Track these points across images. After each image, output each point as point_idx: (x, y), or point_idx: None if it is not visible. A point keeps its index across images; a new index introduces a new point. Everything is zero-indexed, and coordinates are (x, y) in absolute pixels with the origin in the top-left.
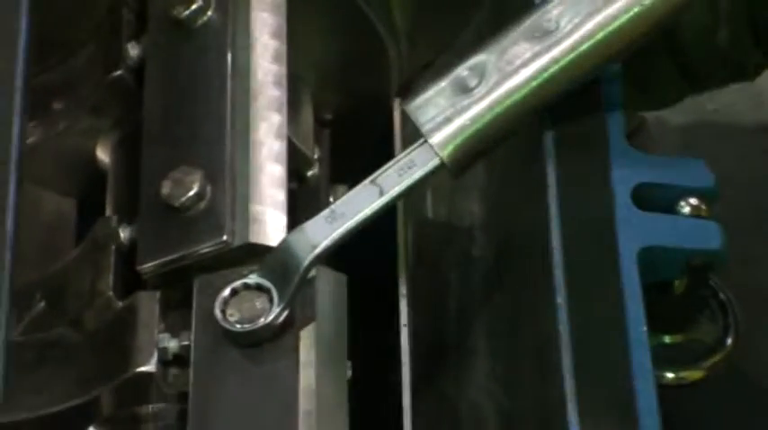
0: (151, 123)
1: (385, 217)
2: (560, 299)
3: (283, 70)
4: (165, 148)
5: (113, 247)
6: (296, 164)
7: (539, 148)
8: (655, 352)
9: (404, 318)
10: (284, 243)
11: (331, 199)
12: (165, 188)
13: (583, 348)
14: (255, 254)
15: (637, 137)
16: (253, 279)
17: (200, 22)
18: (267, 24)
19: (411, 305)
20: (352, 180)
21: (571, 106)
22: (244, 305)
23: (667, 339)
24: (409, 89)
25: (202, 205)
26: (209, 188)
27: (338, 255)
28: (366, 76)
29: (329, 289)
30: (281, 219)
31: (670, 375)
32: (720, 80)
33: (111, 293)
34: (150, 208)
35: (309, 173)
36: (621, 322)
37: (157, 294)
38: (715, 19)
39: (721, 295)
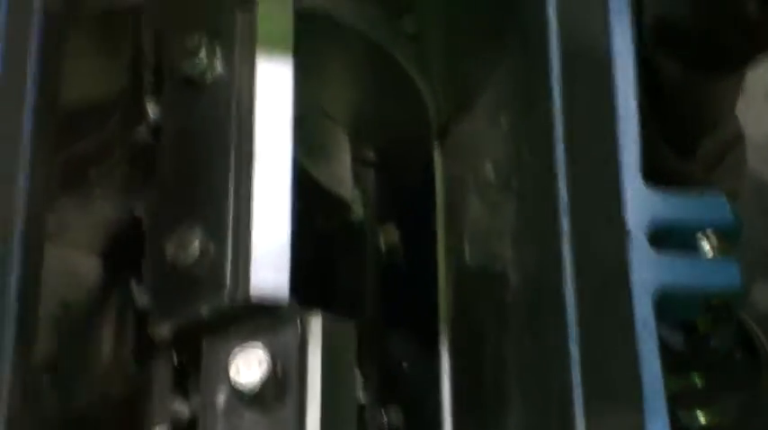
0: (162, 183)
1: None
2: (573, 346)
3: (288, 118)
4: (171, 207)
5: (131, 312)
6: (331, 207)
7: (552, 193)
8: (685, 394)
9: (445, 368)
10: None
11: (381, 239)
12: (170, 248)
13: (596, 399)
14: (259, 312)
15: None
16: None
17: (208, 77)
18: (272, 74)
19: (452, 355)
20: (398, 220)
21: (583, 145)
22: (248, 363)
23: (697, 380)
24: (447, 130)
25: (205, 264)
26: (211, 246)
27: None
28: (401, 116)
29: (333, 341)
30: (284, 276)
31: (702, 420)
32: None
33: (130, 359)
34: (156, 268)
35: (352, 214)
36: (635, 369)
37: (173, 357)
38: None
39: (748, 331)
